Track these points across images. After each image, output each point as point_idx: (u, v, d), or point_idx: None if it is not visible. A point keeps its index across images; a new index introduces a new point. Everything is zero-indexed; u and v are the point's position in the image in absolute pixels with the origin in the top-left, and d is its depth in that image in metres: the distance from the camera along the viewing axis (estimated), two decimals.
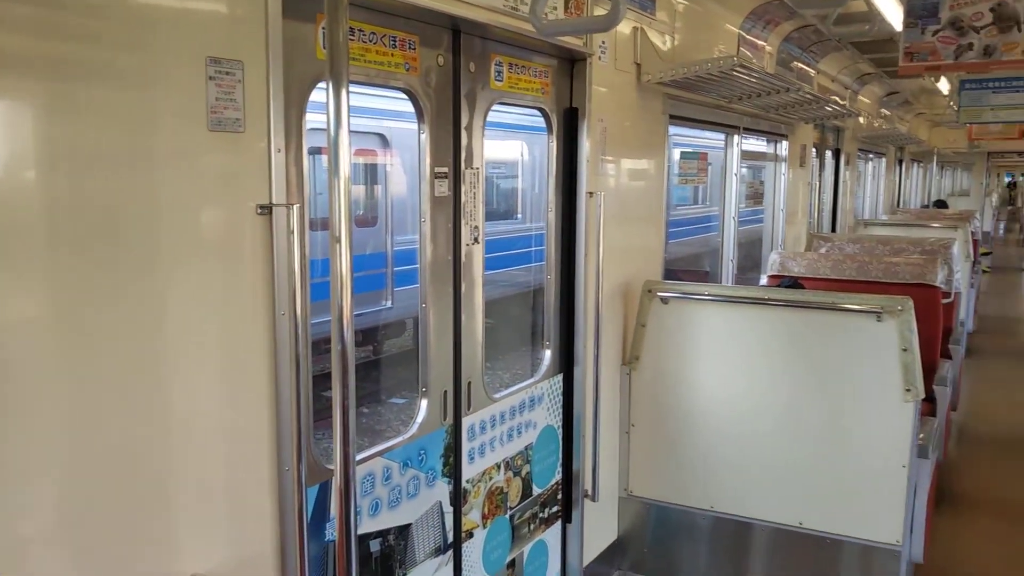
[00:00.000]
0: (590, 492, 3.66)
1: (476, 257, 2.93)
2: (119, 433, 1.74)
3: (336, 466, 1.83)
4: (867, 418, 3.45)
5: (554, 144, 3.39)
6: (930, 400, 4.51)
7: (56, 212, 1.59)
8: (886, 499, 3.44)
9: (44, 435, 1.61)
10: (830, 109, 6.05)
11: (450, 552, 2.97)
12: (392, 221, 6.07)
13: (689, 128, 5.04)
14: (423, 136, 2.66)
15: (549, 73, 3.29)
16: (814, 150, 7.72)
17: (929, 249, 6.02)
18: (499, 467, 3.20)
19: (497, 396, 3.15)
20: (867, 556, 3.49)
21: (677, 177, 4.92)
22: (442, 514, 2.90)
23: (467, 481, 3.01)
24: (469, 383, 2.95)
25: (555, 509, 3.62)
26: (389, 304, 6.46)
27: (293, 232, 2.01)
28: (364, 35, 2.37)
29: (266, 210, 2.01)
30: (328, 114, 1.71)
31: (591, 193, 3.47)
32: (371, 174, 6.75)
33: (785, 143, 6.61)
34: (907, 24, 4.65)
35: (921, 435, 3.45)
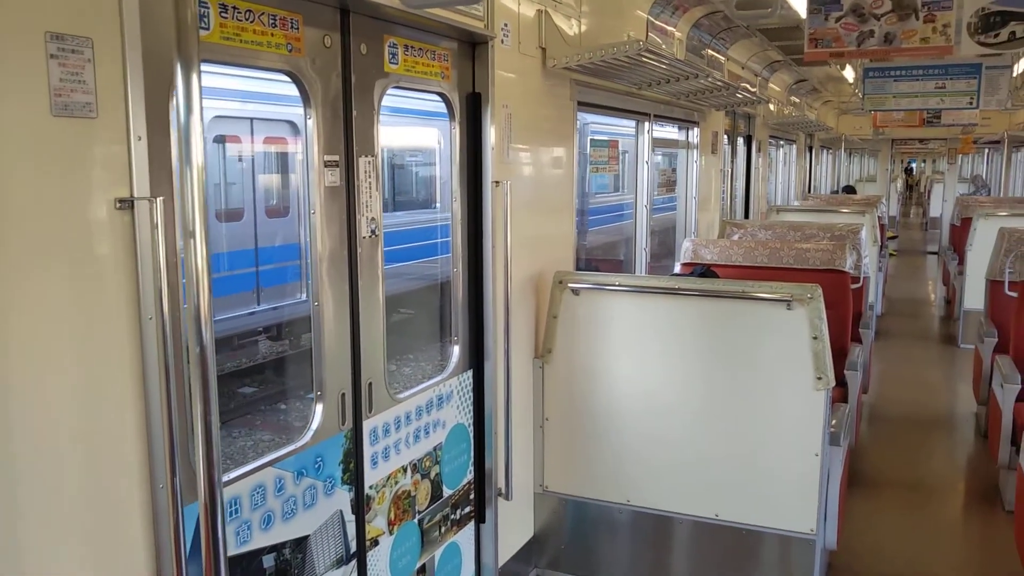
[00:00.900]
0: (503, 490, 3.55)
1: (375, 251, 2.77)
2: None
3: (199, 485, 1.66)
4: (779, 407, 3.43)
5: (456, 131, 3.25)
6: (842, 384, 4.55)
7: None
8: (799, 488, 3.42)
9: None
10: (740, 96, 6.06)
11: (354, 562, 2.81)
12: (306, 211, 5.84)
13: (600, 115, 4.96)
14: (310, 123, 2.49)
15: (449, 57, 3.14)
16: (726, 137, 7.77)
17: (838, 235, 6.09)
18: (405, 470, 3.05)
19: (402, 396, 3.00)
20: (783, 546, 3.47)
21: (589, 165, 4.83)
22: (343, 523, 2.74)
23: (370, 487, 2.85)
24: (370, 384, 2.79)
25: (468, 510, 3.49)
26: (304, 296, 6.25)
27: (158, 227, 1.82)
28: (240, 13, 2.19)
29: (126, 204, 1.82)
30: (176, 99, 1.54)
31: (497, 182, 3.34)
32: (282, 163, 6.50)
33: (697, 130, 6.62)
34: (811, 10, 4.67)
35: (833, 422, 3.45)
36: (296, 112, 2.57)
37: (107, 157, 1.80)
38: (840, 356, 4.66)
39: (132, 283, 1.85)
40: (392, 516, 2.99)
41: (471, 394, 3.45)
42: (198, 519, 1.83)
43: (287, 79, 2.47)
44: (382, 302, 2.82)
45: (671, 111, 5.84)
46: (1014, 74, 8.76)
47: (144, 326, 1.86)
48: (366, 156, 2.69)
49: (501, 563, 3.65)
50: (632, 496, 3.74)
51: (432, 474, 3.23)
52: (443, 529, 3.32)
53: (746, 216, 9.39)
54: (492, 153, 3.32)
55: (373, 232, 2.75)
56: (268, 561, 2.43)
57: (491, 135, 3.30)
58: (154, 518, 1.96)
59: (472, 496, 3.51)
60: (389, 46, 2.80)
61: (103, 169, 1.79)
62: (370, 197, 2.72)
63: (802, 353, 3.38)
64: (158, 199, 1.83)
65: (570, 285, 3.71)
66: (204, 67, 1.70)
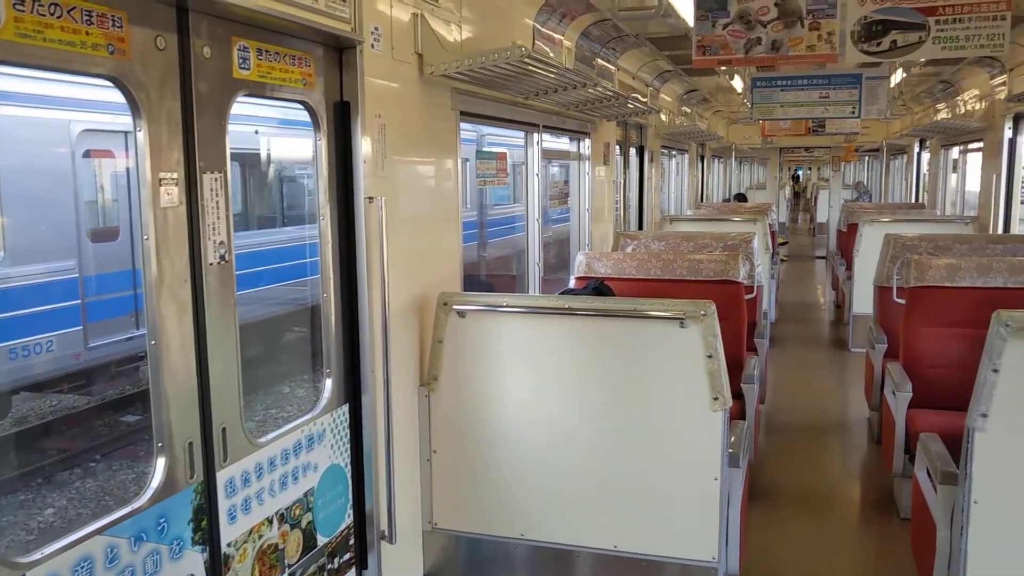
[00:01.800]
0: (387, 532, 3.27)
1: (226, 278, 2.46)
2: None
3: None
4: (676, 431, 3.27)
5: (323, 143, 2.96)
6: (738, 397, 4.45)
7: None
8: (699, 514, 3.26)
9: None
10: (632, 106, 5.97)
11: None
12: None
13: (486, 126, 4.75)
14: (140, 135, 2.16)
15: (312, 62, 2.85)
16: (618, 148, 7.69)
17: (731, 244, 6.05)
18: (271, 521, 2.73)
19: (264, 440, 2.68)
20: (685, 575, 3.30)
21: (477, 178, 4.61)
22: None
23: (229, 545, 2.53)
24: (224, 429, 2.47)
25: (347, 557, 3.19)
26: (136, 332, 5.81)
27: None
28: (41, 6, 1.86)
29: None
30: None
31: (371, 198, 3.07)
32: (115, 179, 6.09)
33: (588, 141, 6.49)
34: (698, 16, 4.59)
35: (732, 441, 3.31)
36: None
37: None
38: (736, 368, 4.56)
39: None
40: (257, 573, 2.67)
41: (347, 431, 3.15)
42: None
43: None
44: (236, 336, 2.50)
45: (562, 122, 5.69)
46: (891, 84, 9.03)
47: None
48: (212, 172, 2.38)
49: None
50: (527, 530, 3.51)
51: (303, 523, 2.92)
52: None
53: (640, 226, 9.36)
54: (364, 167, 3.05)
55: (223, 258, 2.43)
56: None
57: (363, 147, 3.03)
58: None
59: (352, 542, 3.21)
60: (239, 49, 2.50)
61: None
62: (218, 219, 2.41)
63: (697, 373, 3.22)
64: None
65: (455, 307, 3.47)
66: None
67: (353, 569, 3.23)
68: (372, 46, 3.07)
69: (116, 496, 5.18)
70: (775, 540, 4.40)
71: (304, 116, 2.96)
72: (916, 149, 13.76)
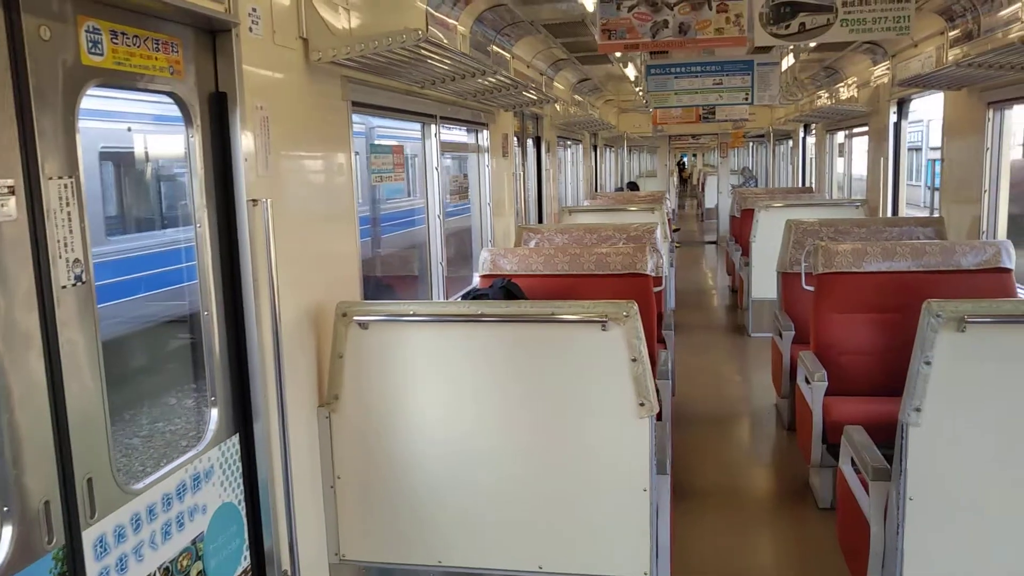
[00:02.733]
0: (290, 571, 2.94)
1: (85, 303, 2.08)
2: None
3: None
4: (601, 441, 3.05)
5: (197, 139, 2.59)
6: None
7: None
8: (629, 528, 3.06)
9: None
10: (529, 95, 5.74)
11: None
12: None
13: (381, 117, 4.43)
14: None
15: (180, 48, 2.48)
16: (516, 139, 7.46)
17: (635, 235, 5.92)
18: None
19: (140, 486, 2.31)
20: None
21: (372, 174, 4.28)
22: None
23: None
24: (89, 480, 2.09)
25: None
26: None
27: None
28: None
29: None
30: None
31: (255, 200, 2.72)
32: None
33: (486, 132, 6.23)
34: None
35: (658, 448, 3.12)
36: None
37: None
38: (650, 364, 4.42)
39: None
40: None
41: (239, 464, 2.80)
42: None
43: None
44: (100, 369, 2.13)
45: (459, 112, 5.41)
46: (783, 70, 9.14)
47: None
48: (60, 178, 2.00)
49: None
50: (444, 556, 3.23)
51: (194, 573, 2.56)
52: None
53: (540, 219, 9.19)
54: (246, 165, 2.70)
55: (79, 279, 2.05)
56: None
57: (243, 143, 2.68)
58: None
59: None
60: (88, 31, 2.12)
61: None
62: (71, 232, 2.02)
63: (621, 378, 3.01)
64: None
65: (356, 318, 3.14)
66: None
67: None
68: (250, 29, 2.71)
69: None
70: (697, 538, 4.27)
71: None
72: (801, 134, 14.11)
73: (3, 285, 1.85)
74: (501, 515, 3.17)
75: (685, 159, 44.50)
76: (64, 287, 2.00)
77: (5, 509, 1.87)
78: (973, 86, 5.66)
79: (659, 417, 4.18)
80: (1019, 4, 4.96)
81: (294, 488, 2.92)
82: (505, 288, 4.57)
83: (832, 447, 4.36)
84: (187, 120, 2.56)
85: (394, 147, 4.33)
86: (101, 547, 2.14)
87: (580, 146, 12.72)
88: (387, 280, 7.66)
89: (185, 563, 2.51)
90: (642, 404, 3.00)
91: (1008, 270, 4.75)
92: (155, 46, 2.37)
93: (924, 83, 6.10)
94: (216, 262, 2.69)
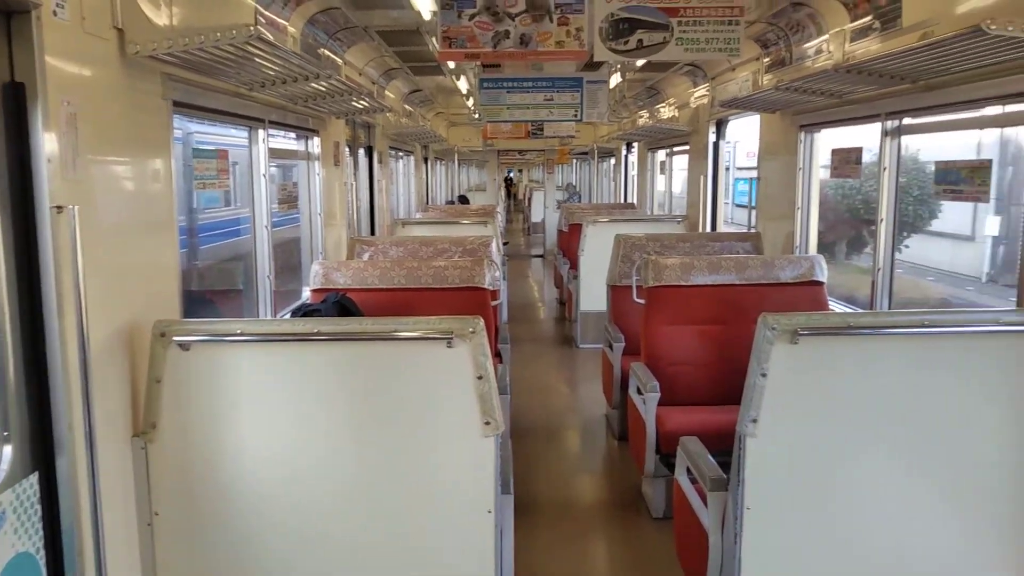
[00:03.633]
0: None
1: None
2: None
3: None
4: (444, 464, 2.93)
5: None
6: None
7: None
8: (473, 551, 2.95)
9: None
10: (363, 103, 5.56)
11: None
12: None
13: (206, 119, 4.12)
14: None
15: None
16: (347, 148, 7.24)
17: (471, 248, 5.87)
18: None
19: None
20: None
21: (195, 180, 3.97)
22: None
23: None
24: None
25: None
26: None
27: None
28: None
29: None
30: None
31: (59, 207, 2.41)
32: None
33: (317, 139, 5.99)
34: (443, 5, 4.28)
35: (502, 467, 3.04)
36: None
37: None
38: None
39: None
40: None
41: (38, 507, 2.46)
42: None
43: None
44: None
45: (288, 118, 5.15)
46: (610, 88, 9.41)
47: None
48: None
49: None
50: None
51: None
52: None
53: (372, 231, 8.97)
54: (50, 167, 2.39)
55: None
56: None
57: (46, 142, 2.37)
58: None
59: None
60: None
61: None
62: None
63: (466, 397, 2.91)
64: None
65: (175, 338, 2.85)
66: None
67: None
68: (54, 13, 2.41)
69: None
70: (535, 552, 4.24)
71: None
72: (624, 152, 14.65)
73: None
74: (338, 546, 2.97)
75: (512, 174, 45.31)
76: None
77: None
78: (786, 110, 6.03)
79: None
80: (826, 36, 5.32)
81: (104, 530, 2.61)
82: (339, 303, 4.38)
83: (665, 457, 4.46)
84: None
85: (219, 151, 4.04)
86: None
87: (412, 158, 12.59)
88: (212, 296, 7.19)
89: None
90: (487, 423, 2.91)
91: (821, 283, 5.06)
92: None
93: (742, 105, 6.44)
94: (11, 276, 2.35)
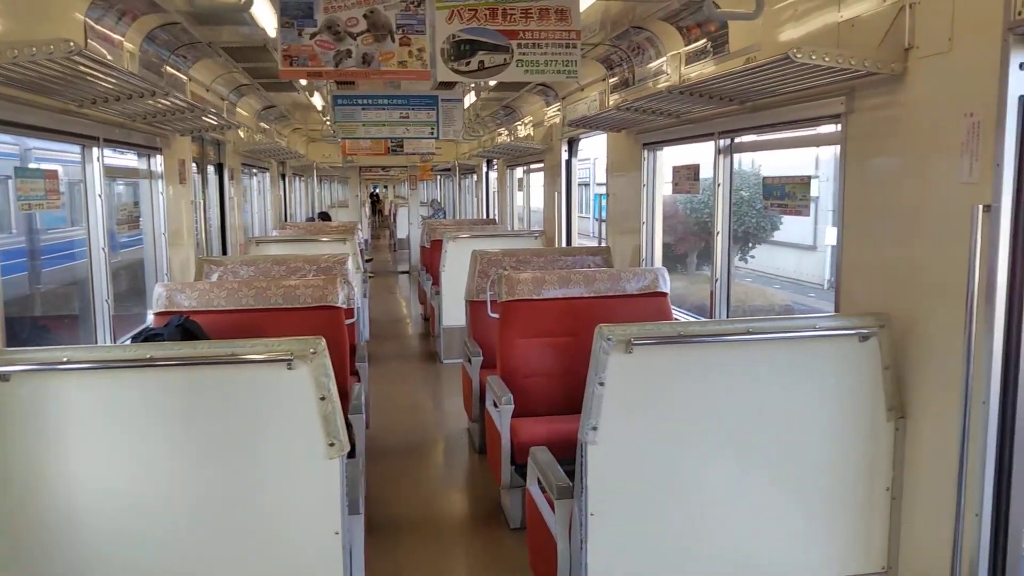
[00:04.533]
0: None
1: None
2: None
3: None
4: (288, 487, 2.90)
5: None
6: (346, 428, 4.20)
7: None
8: (321, 572, 2.93)
9: None
10: (210, 120, 5.42)
11: None
12: None
13: (30, 137, 3.92)
14: None
15: None
16: (195, 165, 7.02)
17: (325, 266, 5.81)
18: None
19: None
20: None
21: (19, 201, 3.75)
22: None
23: None
24: None
25: None
26: None
27: None
28: None
29: None
30: None
31: None
32: None
33: (161, 157, 5.78)
34: (283, 23, 4.23)
35: (349, 488, 3.03)
36: None
37: None
38: (342, 398, 4.31)
39: None
40: None
41: None
42: None
43: None
44: None
45: (128, 135, 4.96)
46: (465, 107, 9.52)
47: None
48: None
49: None
50: None
51: None
52: None
53: (224, 251, 8.72)
54: None
55: None
56: None
57: None
58: None
59: None
60: None
61: None
62: None
63: (309, 419, 2.89)
64: None
65: None
66: None
67: None
68: None
69: None
70: (390, 572, 4.23)
71: None
72: (484, 169, 14.84)
73: None
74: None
75: (378, 190, 44.95)
76: None
77: None
78: (630, 129, 6.29)
79: (352, 454, 4.10)
80: (664, 58, 5.60)
81: None
82: (183, 327, 4.24)
83: (520, 468, 4.54)
84: None
85: (47, 172, 3.85)
86: None
87: (268, 174, 12.31)
88: (48, 322, 6.79)
89: None
90: (332, 444, 2.90)
91: (664, 294, 5.29)
92: None
93: (589, 124, 6.67)
94: None
